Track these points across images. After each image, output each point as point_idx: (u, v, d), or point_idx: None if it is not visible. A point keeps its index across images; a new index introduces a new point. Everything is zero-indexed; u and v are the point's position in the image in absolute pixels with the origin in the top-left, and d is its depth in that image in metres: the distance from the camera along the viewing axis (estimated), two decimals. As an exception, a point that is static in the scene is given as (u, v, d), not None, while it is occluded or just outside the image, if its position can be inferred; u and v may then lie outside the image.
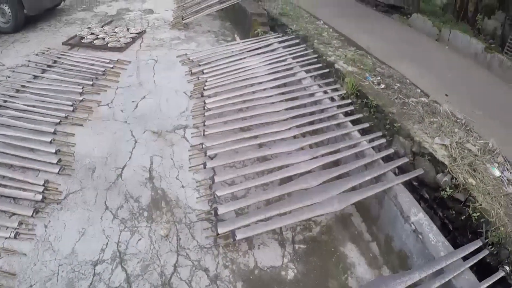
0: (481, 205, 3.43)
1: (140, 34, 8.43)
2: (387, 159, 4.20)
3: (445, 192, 3.71)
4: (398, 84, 5.57)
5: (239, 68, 6.30)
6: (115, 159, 4.55)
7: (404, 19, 11.36)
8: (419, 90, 5.51)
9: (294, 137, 4.65)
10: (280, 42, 7.12)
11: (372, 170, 3.95)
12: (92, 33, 8.12)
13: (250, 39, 7.61)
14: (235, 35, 8.53)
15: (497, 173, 3.88)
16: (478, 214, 3.39)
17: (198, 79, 6.23)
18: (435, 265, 3.05)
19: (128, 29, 8.56)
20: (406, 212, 3.55)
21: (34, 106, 5.27)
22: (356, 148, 4.26)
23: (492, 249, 3.17)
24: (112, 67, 6.65)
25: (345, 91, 5.34)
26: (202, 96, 5.71)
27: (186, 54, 7.23)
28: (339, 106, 5.06)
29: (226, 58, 6.78)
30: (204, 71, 6.42)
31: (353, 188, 3.82)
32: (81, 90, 5.81)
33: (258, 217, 3.54)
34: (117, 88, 6.09)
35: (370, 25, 9.38)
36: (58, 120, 5.06)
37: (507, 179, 3.84)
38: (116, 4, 10.76)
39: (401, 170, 4.15)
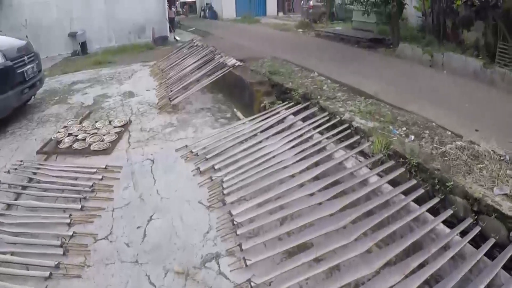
0: None
1: (125, 126, 7.27)
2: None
3: None
4: (427, 131, 4.92)
5: (259, 157, 5.18)
6: (138, 327, 3.21)
7: (390, 50, 10.89)
8: (449, 132, 4.96)
9: (368, 251, 3.48)
10: (294, 113, 6.07)
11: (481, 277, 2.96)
12: (69, 134, 6.90)
13: (257, 115, 6.54)
14: (235, 110, 7.48)
15: None
16: None
17: (212, 180, 5.05)
18: None
19: (110, 122, 7.39)
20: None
21: (12, 254, 3.95)
22: (452, 249, 3.23)
23: None
24: (101, 179, 5.39)
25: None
26: (224, 204, 4.51)
27: (186, 146, 6.10)
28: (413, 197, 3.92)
29: (238, 145, 5.68)
30: (216, 167, 5.26)
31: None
32: (68, 220, 4.52)
33: None
34: (114, 210, 4.79)
35: (362, 66, 9.09)
36: (48, 273, 3.72)
37: None
38: (91, 90, 9.63)
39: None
